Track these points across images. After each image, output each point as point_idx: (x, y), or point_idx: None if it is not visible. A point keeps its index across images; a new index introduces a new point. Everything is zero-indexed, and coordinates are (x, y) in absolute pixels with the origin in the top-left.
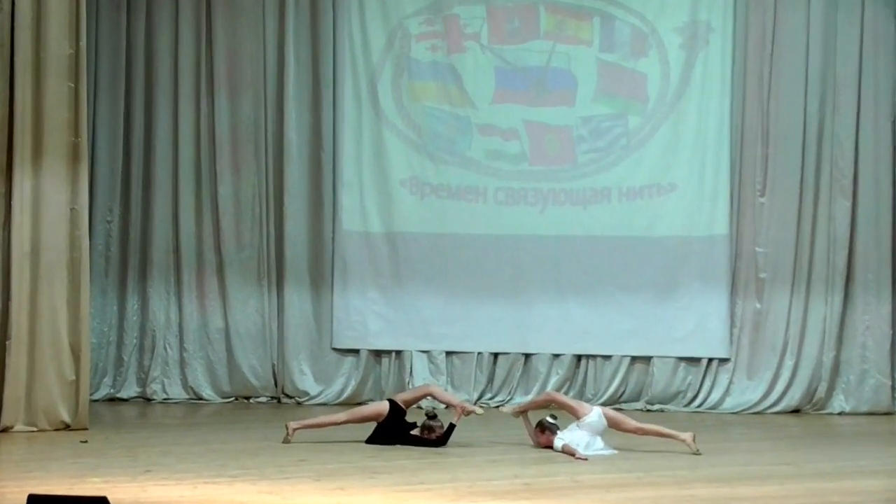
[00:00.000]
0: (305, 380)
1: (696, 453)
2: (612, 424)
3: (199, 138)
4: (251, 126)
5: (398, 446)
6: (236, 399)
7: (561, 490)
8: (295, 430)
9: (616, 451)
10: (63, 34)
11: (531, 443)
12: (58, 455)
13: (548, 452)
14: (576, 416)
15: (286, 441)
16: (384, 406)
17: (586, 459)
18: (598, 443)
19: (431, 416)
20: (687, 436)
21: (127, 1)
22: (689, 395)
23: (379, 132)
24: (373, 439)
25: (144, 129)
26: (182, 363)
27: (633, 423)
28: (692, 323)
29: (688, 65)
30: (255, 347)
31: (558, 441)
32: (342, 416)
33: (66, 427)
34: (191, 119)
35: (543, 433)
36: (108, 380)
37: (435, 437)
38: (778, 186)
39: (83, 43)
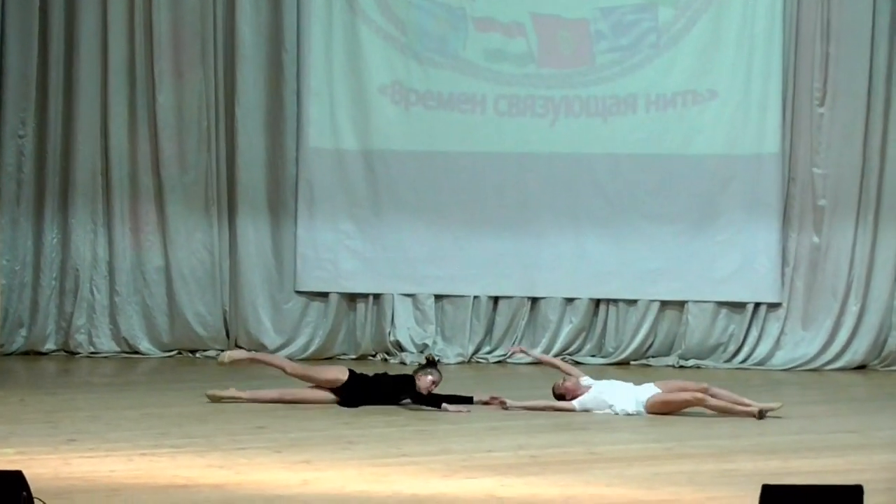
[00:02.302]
0: (263, 330)
1: (757, 415)
2: (658, 409)
3: (132, 35)
4: (196, 21)
5: (377, 407)
6: (179, 353)
7: (574, 464)
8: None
9: (643, 412)
10: None
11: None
12: None
13: (560, 417)
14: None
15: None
16: (342, 372)
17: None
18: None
19: (432, 361)
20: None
21: None
22: (732, 348)
23: (353, 28)
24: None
25: (65, 24)
26: (113, 310)
27: (684, 395)
28: (736, 261)
29: None
30: (203, 291)
31: (585, 380)
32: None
33: None
34: (122, 12)
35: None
36: (22, 330)
37: (431, 382)
38: (841, 94)
39: None
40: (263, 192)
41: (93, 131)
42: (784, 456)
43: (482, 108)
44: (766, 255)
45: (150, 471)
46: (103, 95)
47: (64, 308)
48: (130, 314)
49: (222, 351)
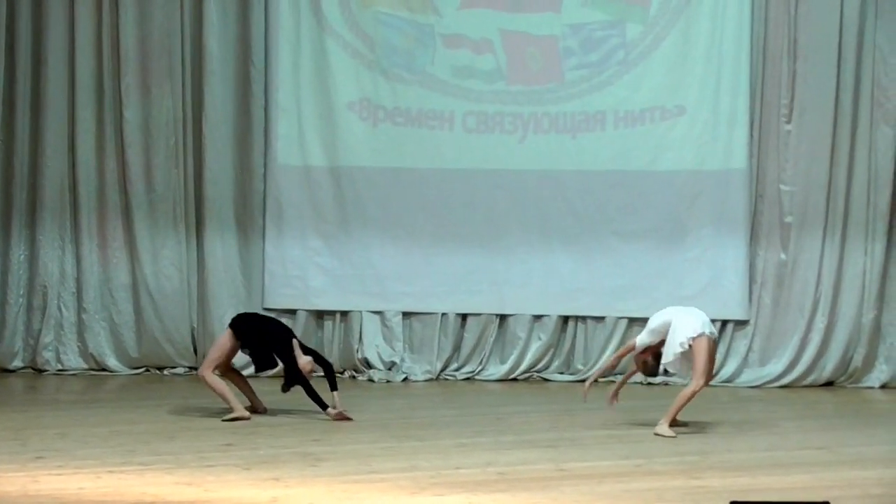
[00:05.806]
0: None
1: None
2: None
3: (100, 51)
4: (164, 36)
5: (346, 425)
6: (147, 370)
7: (543, 481)
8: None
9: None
10: None
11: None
12: None
13: (529, 434)
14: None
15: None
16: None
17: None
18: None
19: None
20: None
21: None
22: None
23: (321, 44)
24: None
25: (32, 39)
26: (80, 326)
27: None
28: (704, 277)
29: None
30: (170, 308)
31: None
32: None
33: None
34: (89, 27)
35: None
36: None
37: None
38: (808, 111)
39: None
40: (231, 208)
41: (60, 147)
42: (752, 472)
43: (450, 124)
44: (734, 272)
45: (118, 488)
46: (70, 111)
47: (31, 325)
48: (98, 331)
49: (191, 369)
